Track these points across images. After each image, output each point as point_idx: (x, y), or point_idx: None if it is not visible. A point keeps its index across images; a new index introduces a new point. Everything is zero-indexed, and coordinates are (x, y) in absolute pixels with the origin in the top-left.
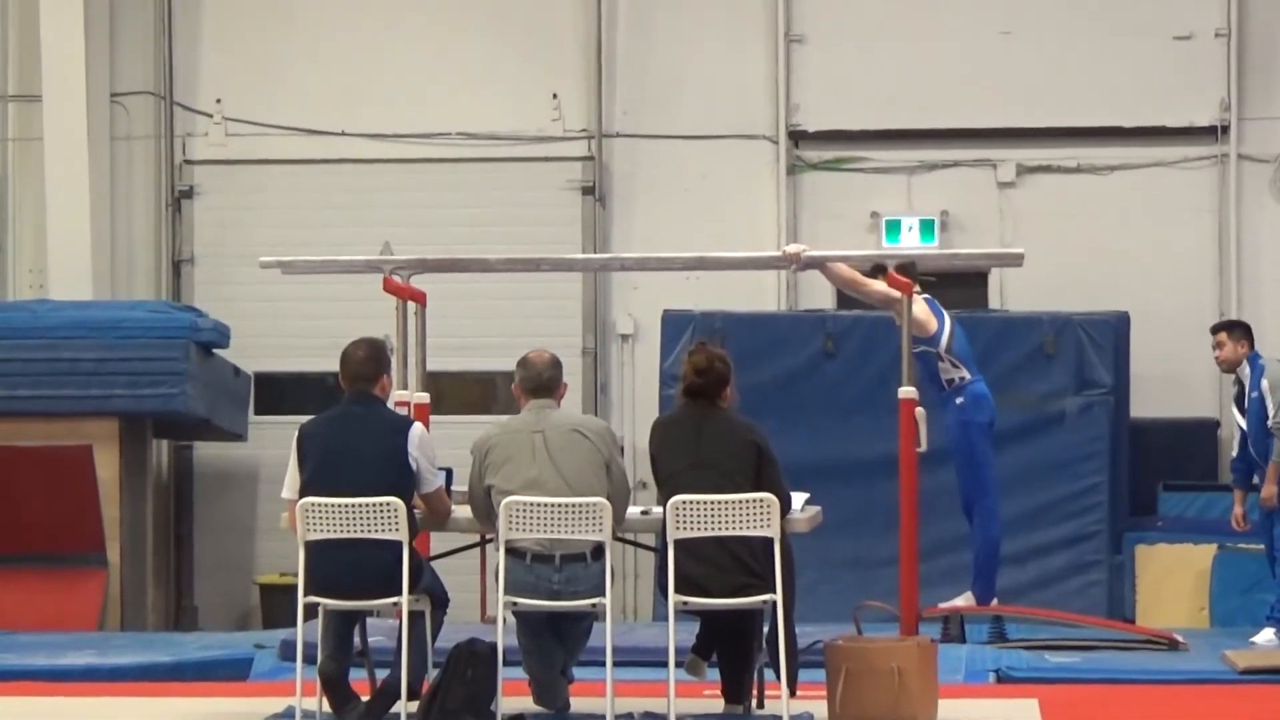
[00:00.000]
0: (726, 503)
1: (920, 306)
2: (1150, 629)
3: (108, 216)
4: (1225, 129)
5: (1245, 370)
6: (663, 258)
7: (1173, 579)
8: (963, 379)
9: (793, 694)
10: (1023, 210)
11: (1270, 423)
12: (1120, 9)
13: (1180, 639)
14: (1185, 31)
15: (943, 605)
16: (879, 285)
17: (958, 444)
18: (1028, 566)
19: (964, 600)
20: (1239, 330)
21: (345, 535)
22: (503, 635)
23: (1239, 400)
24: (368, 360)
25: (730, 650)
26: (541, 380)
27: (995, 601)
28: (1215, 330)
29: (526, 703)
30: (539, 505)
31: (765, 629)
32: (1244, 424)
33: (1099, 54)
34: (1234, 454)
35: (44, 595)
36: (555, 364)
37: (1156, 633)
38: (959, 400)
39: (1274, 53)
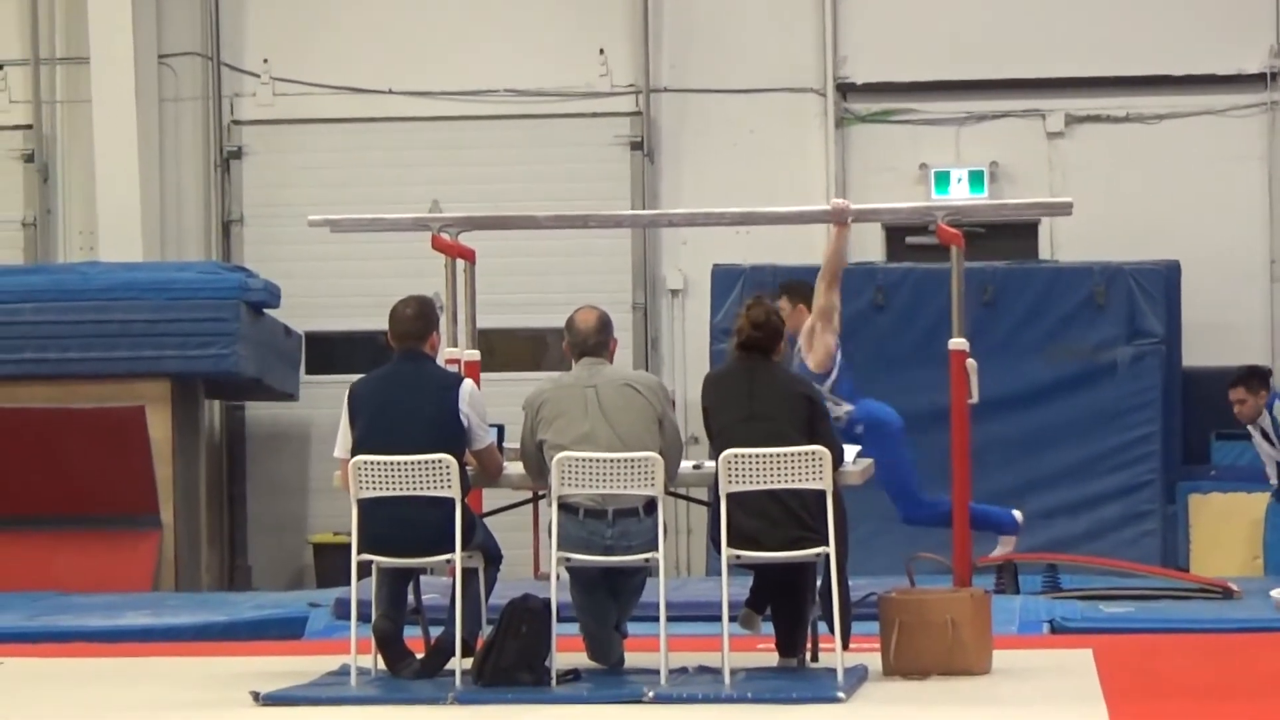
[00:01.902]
0: (779, 456)
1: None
2: (1204, 578)
3: (156, 178)
4: (1275, 76)
5: (1266, 417)
6: (711, 213)
7: (1226, 528)
8: (847, 413)
9: (846, 647)
10: (1072, 160)
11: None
12: None
13: (1235, 587)
14: None
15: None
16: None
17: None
18: (1080, 517)
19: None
20: (1256, 380)
21: (397, 493)
22: (556, 591)
23: (1267, 438)
24: (417, 318)
25: (784, 604)
26: (589, 345)
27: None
28: (1233, 385)
29: (581, 659)
30: (591, 460)
31: (819, 582)
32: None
33: (1147, 2)
34: (1275, 486)
35: (99, 556)
36: (602, 326)
37: (1211, 581)
38: (858, 430)
39: None
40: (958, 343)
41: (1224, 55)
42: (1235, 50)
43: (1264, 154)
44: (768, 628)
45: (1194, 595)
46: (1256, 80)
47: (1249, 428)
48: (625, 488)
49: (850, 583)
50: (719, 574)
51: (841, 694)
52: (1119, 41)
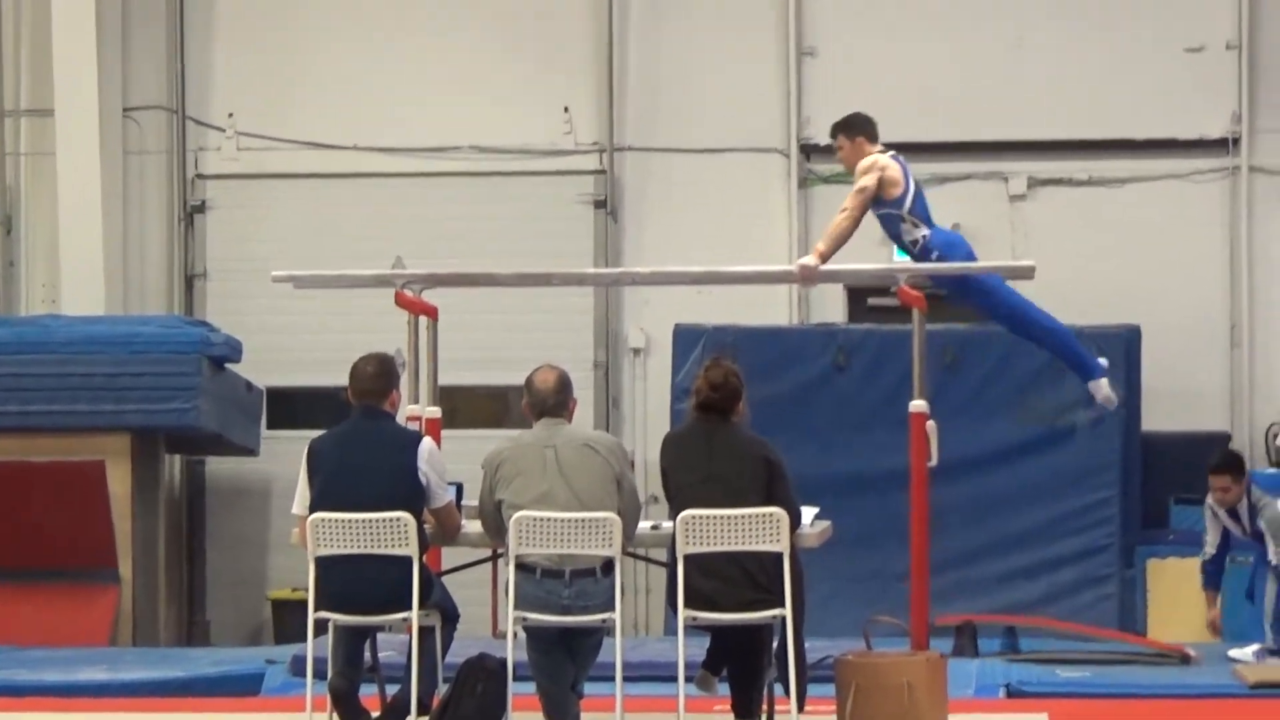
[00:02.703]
0: (736, 518)
1: (893, 169)
2: (1161, 643)
3: (120, 231)
4: (1237, 141)
5: (1243, 508)
6: (673, 272)
7: (1184, 592)
8: (925, 236)
9: (801, 709)
10: (1034, 223)
11: (1273, 558)
12: (1131, 21)
13: (1192, 652)
14: (1196, 43)
15: (1098, 398)
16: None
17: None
18: (1039, 580)
19: (1099, 393)
20: (1239, 468)
21: (355, 550)
22: (513, 650)
23: (1236, 518)
24: (378, 376)
25: (740, 665)
26: (548, 405)
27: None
28: (1217, 472)
29: (537, 718)
30: (549, 520)
31: (775, 644)
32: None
33: (1110, 66)
34: (1208, 556)
35: (56, 610)
36: (562, 386)
37: (1167, 646)
38: (934, 256)
39: None
40: (918, 405)
41: (1186, 120)
42: (1198, 115)
43: (1225, 219)
44: (724, 689)
45: (1151, 660)
46: (1218, 145)
47: (1213, 507)
48: (583, 548)
49: (807, 645)
50: (676, 635)
51: None
52: (1082, 105)
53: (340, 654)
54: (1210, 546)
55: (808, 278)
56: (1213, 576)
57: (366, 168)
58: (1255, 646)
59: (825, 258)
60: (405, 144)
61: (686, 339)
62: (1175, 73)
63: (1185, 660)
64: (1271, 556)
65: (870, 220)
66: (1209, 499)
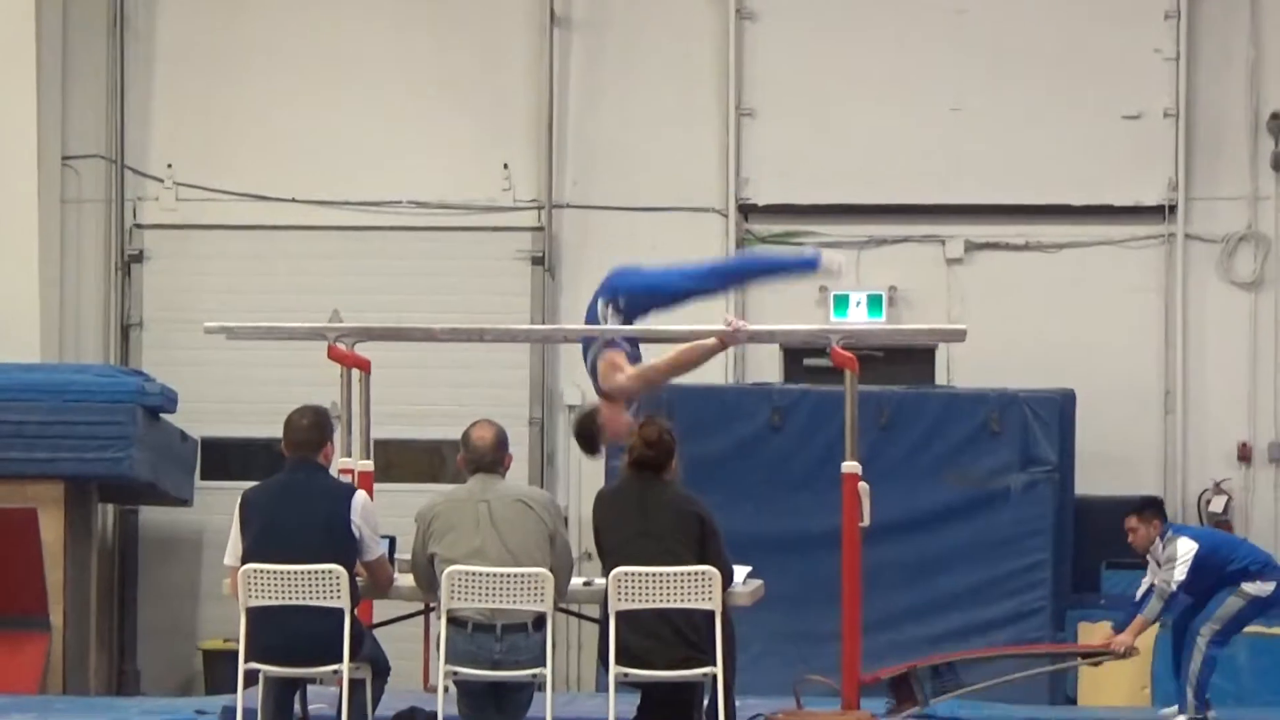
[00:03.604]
0: (668, 575)
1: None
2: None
3: (57, 279)
4: (1173, 208)
5: (1159, 547)
6: (606, 329)
7: None
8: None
9: None
10: (970, 286)
11: (1157, 582)
12: (1070, 87)
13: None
14: (1134, 111)
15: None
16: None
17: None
18: (971, 642)
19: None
20: (1149, 511)
21: (287, 602)
22: (443, 704)
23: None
24: (311, 428)
25: None
26: (484, 461)
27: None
28: (1127, 515)
29: None
30: (481, 575)
31: (706, 702)
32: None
33: (1048, 132)
34: (1138, 597)
35: None
36: (498, 444)
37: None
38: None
39: (1221, 133)
40: (850, 466)
41: (1123, 187)
42: (1134, 182)
43: (1160, 286)
44: None
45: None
46: (1154, 212)
47: (1148, 557)
48: (515, 603)
49: (738, 703)
50: (607, 691)
51: None
52: (1019, 170)
53: (270, 706)
54: (1138, 592)
55: (734, 337)
56: (1124, 615)
57: (305, 220)
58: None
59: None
60: (344, 197)
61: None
62: (1112, 139)
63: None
64: (1147, 578)
65: (810, 281)
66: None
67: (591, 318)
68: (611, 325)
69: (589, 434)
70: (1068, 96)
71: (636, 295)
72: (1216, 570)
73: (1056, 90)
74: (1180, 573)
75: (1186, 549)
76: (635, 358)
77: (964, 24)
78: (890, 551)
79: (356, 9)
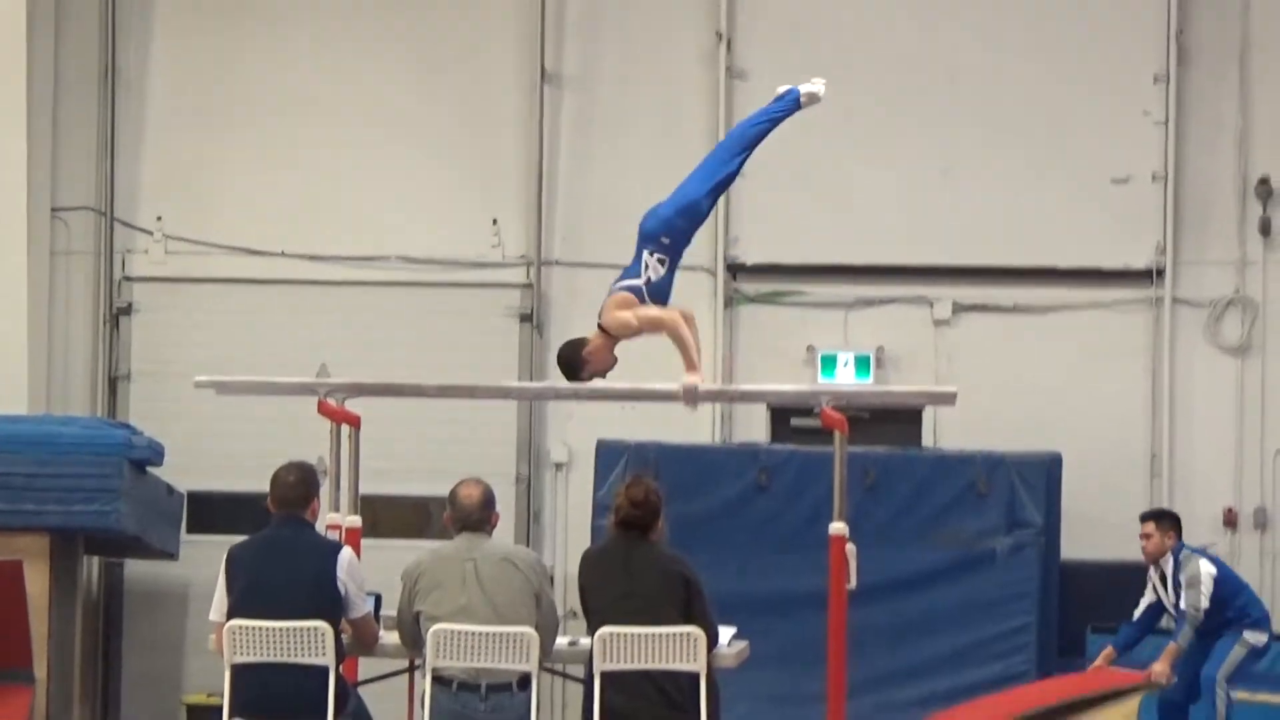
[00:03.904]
0: (653, 636)
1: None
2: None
3: (45, 331)
4: (1160, 272)
5: (1168, 561)
6: (596, 389)
7: None
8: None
9: None
10: (958, 348)
11: (1184, 604)
12: (1059, 150)
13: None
14: (1123, 174)
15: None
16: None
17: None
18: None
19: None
20: (1167, 521)
21: (271, 659)
22: None
23: (1165, 583)
24: (298, 484)
25: None
26: (471, 520)
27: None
28: (1144, 519)
29: None
30: (466, 633)
31: None
32: (1170, 605)
33: (1037, 194)
34: (1134, 616)
35: None
36: (486, 502)
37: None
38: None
39: (1210, 197)
40: (838, 527)
41: (1111, 250)
42: (1123, 246)
43: (1148, 350)
44: None
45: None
46: (1143, 276)
47: (1149, 574)
48: (500, 662)
49: None
50: None
51: None
52: (1008, 232)
53: None
54: (1136, 612)
55: (691, 397)
56: (1122, 635)
57: (294, 274)
58: None
59: (700, 372)
60: (333, 252)
61: (609, 454)
62: (1101, 203)
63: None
64: (1182, 602)
65: (795, 338)
66: (1150, 569)
67: (633, 271)
68: (656, 273)
69: (573, 361)
70: (1057, 159)
71: (675, 225)
72: (1222, 606)
73: (1045, 153)
74: (1205, 598)
75: (1208, 571)
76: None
77: (954, 86)
78: (876, 613)
79: (348, 64)
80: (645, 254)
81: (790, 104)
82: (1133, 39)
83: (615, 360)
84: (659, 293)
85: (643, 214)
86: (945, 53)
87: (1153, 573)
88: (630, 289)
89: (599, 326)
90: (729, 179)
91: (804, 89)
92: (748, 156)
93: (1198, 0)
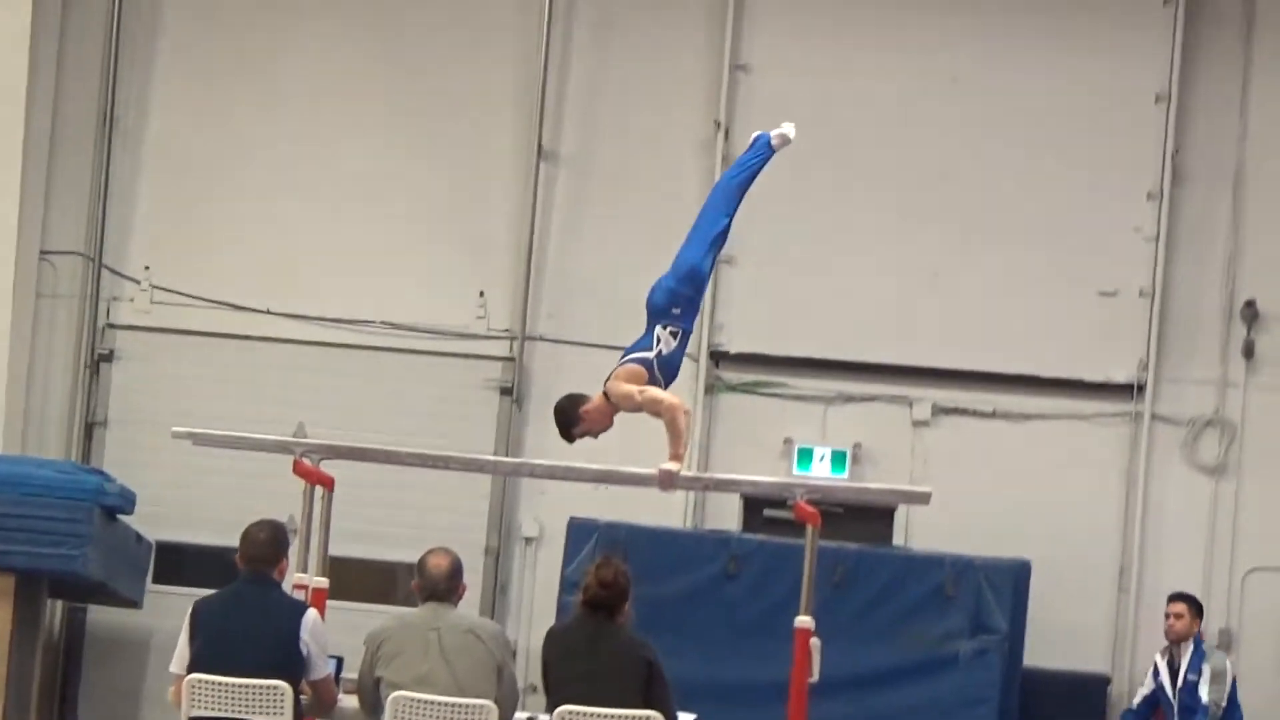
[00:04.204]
0: (612, 717)
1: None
2: None
3: (25, 372)
4: (1141, 388)
5: (1187, 649)
6: (571, 468)
7: None
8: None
9: None
10: (935, 450)
11: (1207, 698)
12: (1048, 259)
13: None
14: (1110, 287)
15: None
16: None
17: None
18: None
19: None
20: (1196, 606)
21: (229, 715)
22: None
23: (1173, 672)
24: (269, 543)
25: None
26: (438, 589)
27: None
28: (1177, 599)
29: None
30: (426, 702)
31: None
32: (1172, 695)
33: (1023, 302)
34: (1133, 705)
35: None
36: (454, 573)
37: None
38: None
39: (1196, 317)
40: (803, 620)
41: (1094, 362)
42: (1105, 359)
43: (1123, 464)
44: None
45: None
46: (1123, 390)
47: (1156, 658)
48: None
49: None
50: None
51: None
52: (992, 338)
53: None
54: (1135, 701)
55: (667, 482)
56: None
57: (277, 332)
58: None
59: (683, 460)
60: (318, 313)
61: (580, 532)
62: (1087, 315)
63: None
64: (1204, 695)
65: (773, 429)
66: (1156, 656)
67: (645, 344)
68: (668, 346)
69: (569, 416)
70: (1046, 268)
71: (681, 294)
72: (1231, 709)
73: (1034, 261)
74: (1226, 697)
75: (1232, 670)
76: (653, 381)
77: (947, 188)
78: (836, 708)
79: (345, 127)
80: (658, 329)
81: (763, 149)
82: (1129, 155)
83: (610, 425)
84: (669, 366)
85: (642, 291)
86: (941, 155)
87: (1159, 661)
88: (641, 361)
89: (603, 392)
90: (722, 236)
91: (774, 133)
92: (736, 209)
93: (1196, 122)
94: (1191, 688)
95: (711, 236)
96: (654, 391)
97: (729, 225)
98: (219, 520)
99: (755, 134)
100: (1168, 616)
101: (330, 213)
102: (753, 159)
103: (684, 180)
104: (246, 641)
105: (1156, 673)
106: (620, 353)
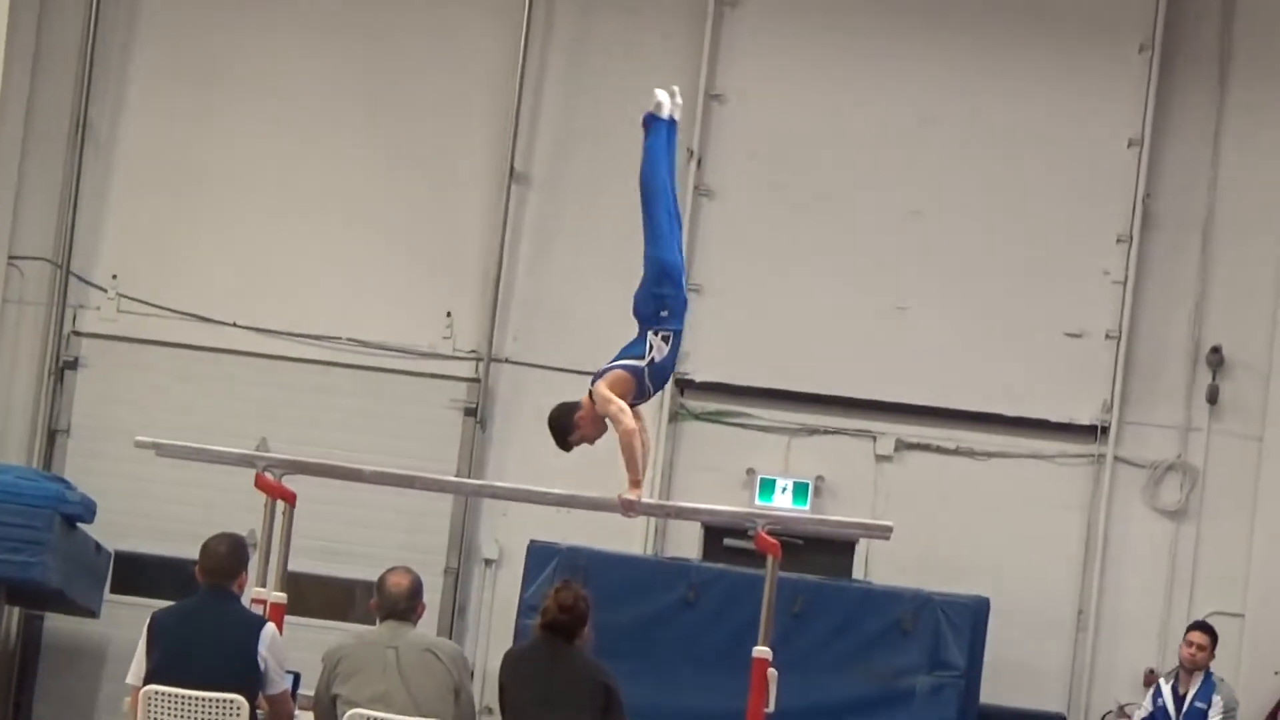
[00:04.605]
0: None
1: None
2: None
3: None
4: (1105, 430)
5: (1197, 679)
6: (534, 491)
7: None
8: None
9: None
10: (897, 484)
11: None
12: (1016, 299)
13: None
14: (1077, 329)
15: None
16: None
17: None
18: None
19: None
20: (1214, 636)
21: None
22: None
23: (1177, 700)
24: (228, 556)
25: None
26: (397, 608)
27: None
28: (1201, 630)
29: None
30: None
31: None
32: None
33: (990, 340)
34: None
35: None
36: (413, 592)
37: None
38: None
39: (1161, 361)
40: (761, 651)
41: (1058, 403)
42: (1070, 400)
43: (1085, 505)
44: None
45: None
46: (1086, 431)
47: (1160, 682)
48: None
49: None
50: None
51: None
52: (958, 375)
53: None
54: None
55: (629, 510)
56: None
57: (244, 346)
58: None
59: (642, 485)
60: (286, 327)
61: (540, 556)
62: (1053, 355)
63: None
64: (1143, 712)
65: (736, 459)
66: (1160, 680)
67: (636, 350)
68: (661, 353)
69: (564, 425)
70: (1013, 308)
71: (664, 294)
72: None
73: (1002, 300)
74: None
75: (1237, 705)
76: (642, 390)
77: (918, 225)
78: None
79: (317, 144)
80: (650, 335)
81: (655, 125)
82: (1100, 198)
83: (605, 430)
84: (661, 373)
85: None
86: (912, 192)
87: (1164, 686)
88: (631, 369)
89: (589, 393)
90: (674, 219)
91: (653, 105)
92: (670, 185)
93: (1167, 167)
94: (1198, 714)
95: (665, 226)
96: (618, 409)
97: (673, 203)
98: (179, 532)
99: (642, 117)
100: (1189, 645)
101: (300, 229)
102: (654, 140)
103: None
104: (204, 654)
105: (1158, 694)
106: (583, 377)
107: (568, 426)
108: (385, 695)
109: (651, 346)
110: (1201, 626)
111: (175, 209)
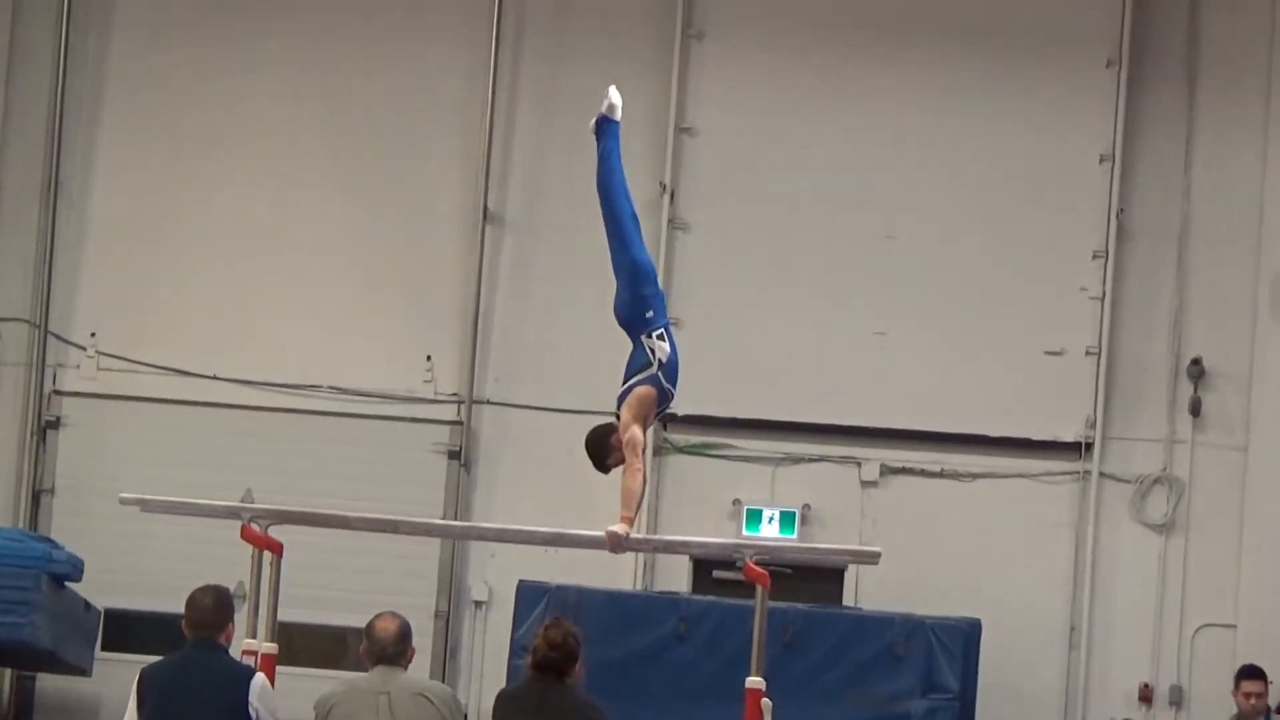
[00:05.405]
0: None
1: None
2: None
3: None
4: (1089, 446)
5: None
6: (521, 530)
7: None
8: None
9: None
10: (884, 509)
11: None
12: (995, 319)
13: None
14: (1057, 347)
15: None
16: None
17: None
18: None
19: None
20: (1267, 681)
21: None
22: None
23: None
24: (215, 609)
25: None
26: (387, 654)
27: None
28: (1249, 676)
29: None
30: None
31: None
32: None
33: (970, 362)
34: None
35: None
36: (402, 636)
37: None
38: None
39: (1142, 375)
40: (754, 681)
41: (1041, 422)
42: (1053, 418)
43: (1072, 522)
44: None
45: None
46: (1071, 449)
47: None
48: None
49: None
50: None
51: None
52: (940, 398)
53: None
54: None
55: (616, 545)
56: None
57: (224, 398)
58: None
59: (633, 523)
60: (265, 378)
61: (530, 595)
62: (1034, 374)
63: None
64: None
65: (721, 490)
66: None
67: (641, 361)
68: (663, 351)
69: (601, 448)
70: (992, 328)
71: (643, 295)
72: None
73: (981, 321)
74: None
75: None
76: (664, 394)
77: (894, 249)
78: None
79: (289, 193)
80: (643, 340)
81: (609, 130)
82: (1074, 214)
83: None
84: (673, 370)
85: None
86: (887, 217)
87: None
88: (649, 380)
89: (616, 415)
90: (633, 220)
91: (602, 109)
92: (624, 185)
93: (1140, 181)
94: None
95: (627, 230)
96: (634, 445)
97: (630, 205)
98: (167, 587)
99: (594, 120)
100: (1245, 695)
101: (276, 278)
102: (609, 142)
103: None
104: (194, 707)
105: None
106: (566, 416)
107: (604, 450)
108: None
109: (652, 350)
110: (1251, 673)
111: (151, 263)
